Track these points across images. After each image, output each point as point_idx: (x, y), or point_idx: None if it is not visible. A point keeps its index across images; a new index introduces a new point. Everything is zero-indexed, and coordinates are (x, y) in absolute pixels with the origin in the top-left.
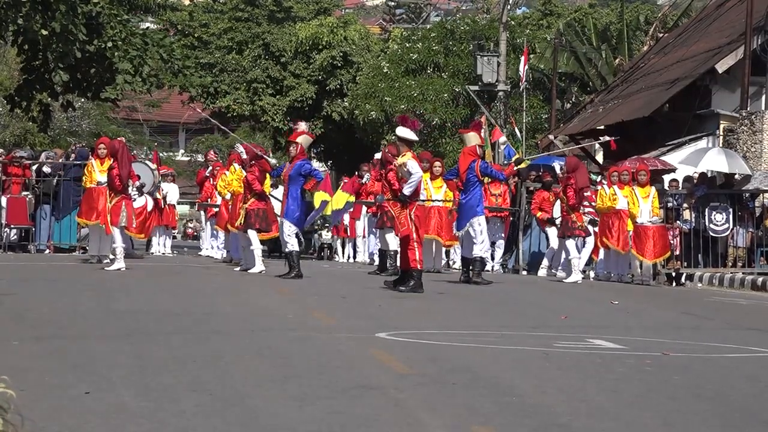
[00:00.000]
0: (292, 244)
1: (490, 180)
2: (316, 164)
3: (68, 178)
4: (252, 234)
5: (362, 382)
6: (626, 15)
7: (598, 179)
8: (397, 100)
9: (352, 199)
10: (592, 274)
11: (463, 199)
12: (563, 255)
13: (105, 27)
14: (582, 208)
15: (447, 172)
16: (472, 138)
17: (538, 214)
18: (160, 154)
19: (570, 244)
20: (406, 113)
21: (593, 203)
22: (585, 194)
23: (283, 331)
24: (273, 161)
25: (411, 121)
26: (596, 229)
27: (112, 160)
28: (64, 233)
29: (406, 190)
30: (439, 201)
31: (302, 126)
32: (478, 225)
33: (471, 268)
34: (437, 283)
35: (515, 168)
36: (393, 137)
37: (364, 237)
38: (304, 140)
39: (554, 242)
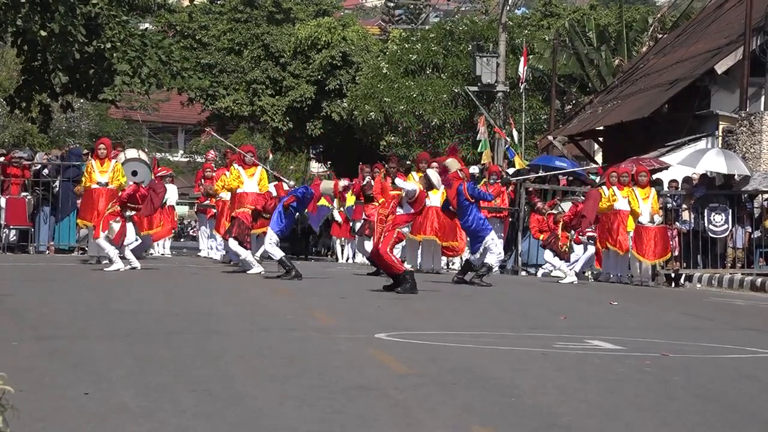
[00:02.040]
0: (274, 254)
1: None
2: (314, 165)
3: (66, 179)
4: (233, 244)
5: (362, 382)
6: (626, 16)
7: (597, 180)
8: (396, 100)
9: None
10: (589, 274)
11: (466, 223)
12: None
13: (104, 28)
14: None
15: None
16: (452, 164)
17: (541, 236)
18: (159, 155)
19: (548, 254)
20: (406, 113)
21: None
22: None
23: (283, 331)
24: (292, 182)
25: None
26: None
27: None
28: (63, 234)
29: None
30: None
31: (341, 183)
32: (492, 240)
33: (477, 270)
34: (436, 284)
35: (502, 186)
36: (423, 169)
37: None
38: (324, 185)
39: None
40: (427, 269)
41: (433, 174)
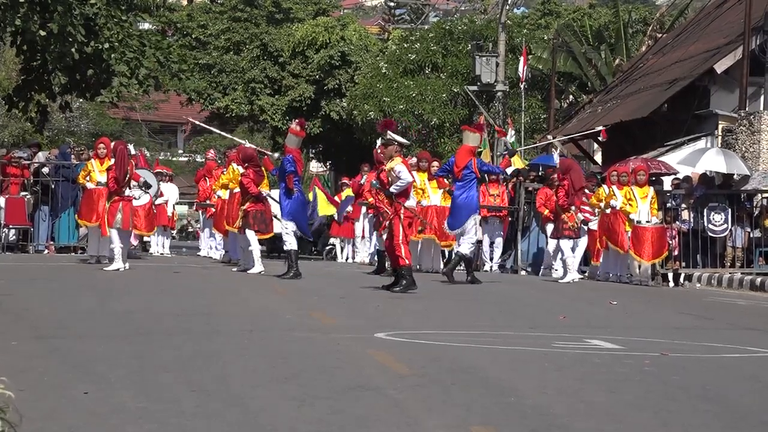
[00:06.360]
0: (290, 243)
1: (488, 180)
2: (314, 164)
3: (64, 179)
4: (250, 234)
5: (362, 382)
6: (622, 15)
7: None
8: (395, 100)
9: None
10: (585, 273)
11: (459, 195)
12: (559, 255)
13: (102, 28)
14: (577, 209)
15: (439, 168)
16: (473, 138)
17: (545, 212)
18: (159, 156)
19: (564, 243)
20: (405, 113)
21: (587, 207)
22: (584, 192)
23: (283, 331)
24: (276, 155)
25: (387, 123)
26: (593, 226)
27: (112, 161)
28: (63, 233)
29: (393, 189)
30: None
31: (292, 125)
32: (473, 222)
33: (449, 261)
34: (435, 284)
35: (510, 159)
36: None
37: (363, 237)
38: (288, 139)
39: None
40: (427, 269)
41: (399, 137)
